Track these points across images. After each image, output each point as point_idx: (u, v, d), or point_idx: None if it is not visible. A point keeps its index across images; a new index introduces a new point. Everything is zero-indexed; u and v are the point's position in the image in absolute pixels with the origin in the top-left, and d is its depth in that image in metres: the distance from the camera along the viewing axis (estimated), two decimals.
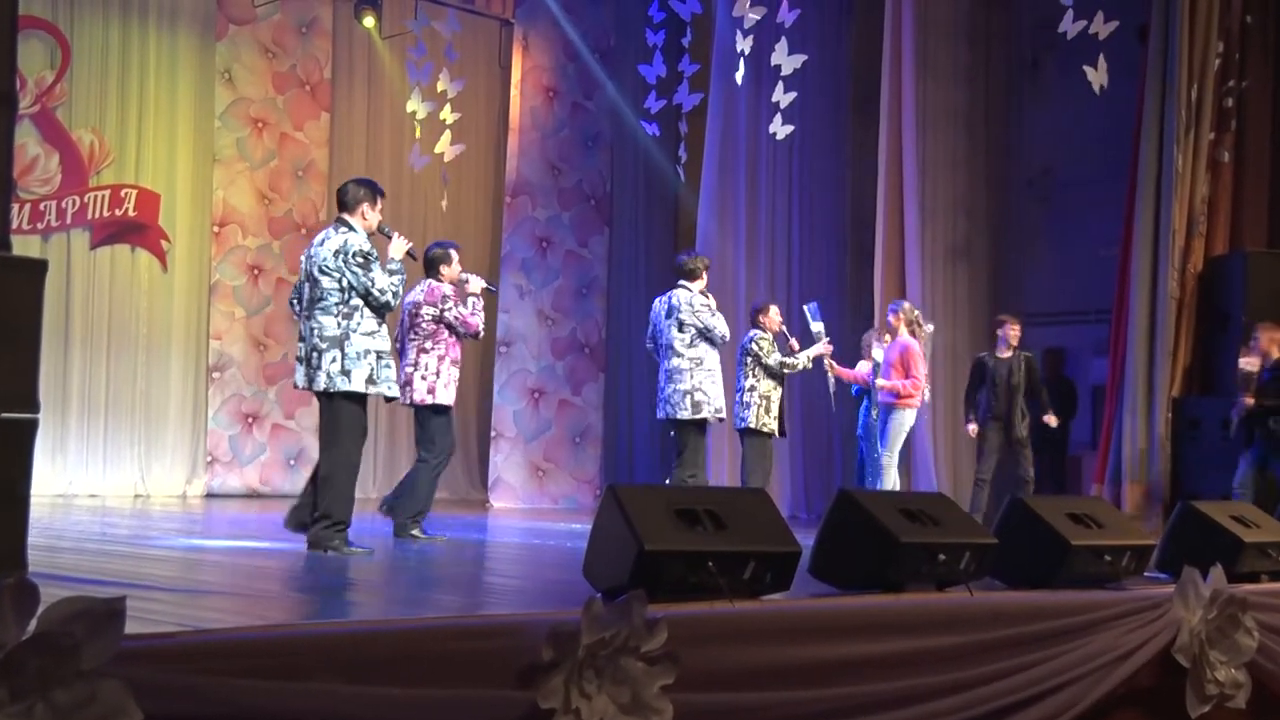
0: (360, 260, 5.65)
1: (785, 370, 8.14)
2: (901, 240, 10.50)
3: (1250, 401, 8.08)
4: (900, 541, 3.95)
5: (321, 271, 5.73)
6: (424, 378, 6.82)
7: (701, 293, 7.64)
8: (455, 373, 6.93)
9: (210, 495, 11.16)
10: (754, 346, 8.19)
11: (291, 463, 11.71)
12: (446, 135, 11.33)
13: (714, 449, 11.06)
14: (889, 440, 8.44)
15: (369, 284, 5.63)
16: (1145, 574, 4.74)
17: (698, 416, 7.39)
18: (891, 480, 8.38)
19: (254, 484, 11.53)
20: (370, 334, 5.68)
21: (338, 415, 5.73)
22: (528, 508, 11.86)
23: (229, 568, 5.10)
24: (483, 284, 7.12)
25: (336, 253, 5.69)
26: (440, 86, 11.23)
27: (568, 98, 12.76)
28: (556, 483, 12.45)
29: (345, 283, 5.66)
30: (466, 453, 13.00)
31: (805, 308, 8.63)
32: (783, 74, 9.38)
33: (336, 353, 5.66)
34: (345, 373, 5.64)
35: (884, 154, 10.57)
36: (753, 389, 8.14)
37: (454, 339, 6.92)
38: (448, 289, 6.92)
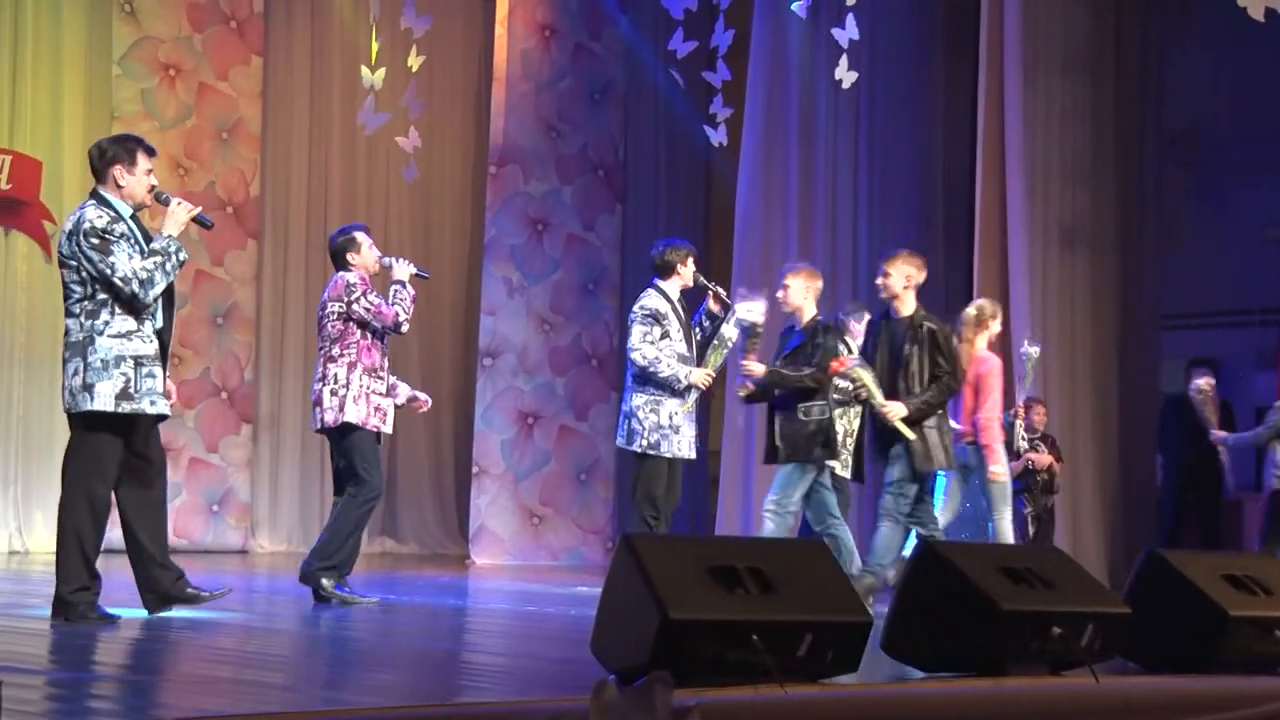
0: (95, 240, 5.60)
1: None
2: (1003, 218, 10.47)
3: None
4: (1003, 610, 3.94)
5: (60, 264, 5.70)
6: (334, 393, 6.88)
7: (682, 298, 7.45)
8: (373, 384, 6.93)
9: (109, 551, 11.16)
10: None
11: (215, 508, 11.74)
12: (411, 87, 11.34)
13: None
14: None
15: (108, 270, 5.57)
16: None
17: (630, 448, 7.31)
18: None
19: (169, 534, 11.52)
20: (123, 335, 5.62)
21: (75, 443, 5.71)
22: (519, 565, 11.86)
23: (124, 645, 5.08)
24: (411, 269, 7.21)
25: (70, 235, 5.66)
26: (403, 24, 11.24)
27: (569, 38, 12.78)
28: (556, 533, 12.44)
29: (85, 273, 5.61)
30: (440, 495, 13.01)
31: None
32: (849, 2, 9.38)
33: (78, 362, 5.61)
34: (88, 387, 5.59)
35: (983, 107, 10.55)
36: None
37: (367, 341, 6.95)
38: (353, 277, 6.98)
